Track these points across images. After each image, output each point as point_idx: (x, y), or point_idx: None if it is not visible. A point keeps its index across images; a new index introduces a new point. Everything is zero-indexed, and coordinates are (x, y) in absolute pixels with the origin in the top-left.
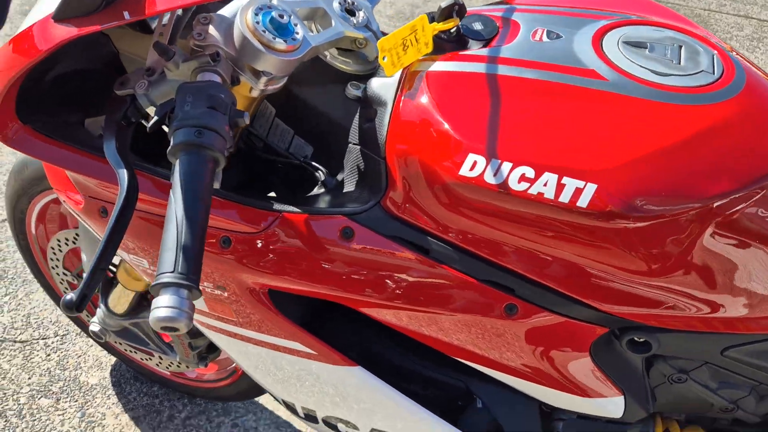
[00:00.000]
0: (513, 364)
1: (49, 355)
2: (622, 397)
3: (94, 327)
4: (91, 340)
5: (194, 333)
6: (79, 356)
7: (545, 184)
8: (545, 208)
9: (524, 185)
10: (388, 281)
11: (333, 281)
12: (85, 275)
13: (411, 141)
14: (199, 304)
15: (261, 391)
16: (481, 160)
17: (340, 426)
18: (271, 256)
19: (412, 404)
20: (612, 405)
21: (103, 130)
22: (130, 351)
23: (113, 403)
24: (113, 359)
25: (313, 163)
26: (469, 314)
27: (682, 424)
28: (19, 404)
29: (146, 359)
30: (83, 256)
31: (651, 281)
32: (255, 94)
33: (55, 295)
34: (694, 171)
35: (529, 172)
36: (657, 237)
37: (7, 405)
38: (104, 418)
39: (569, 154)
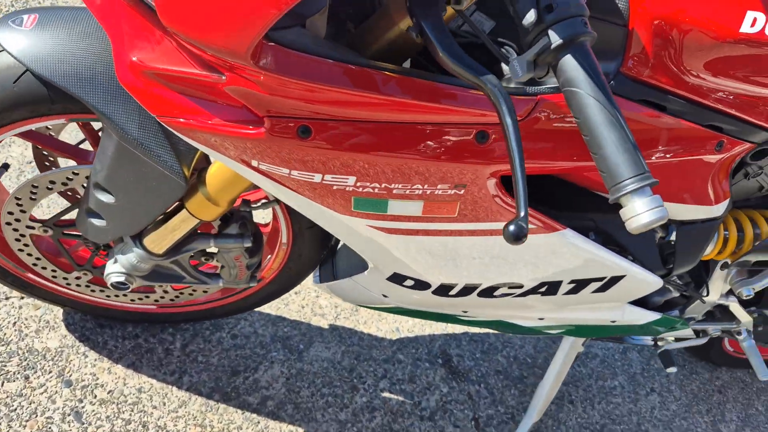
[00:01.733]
0: (682, 193)
1: None
2: (730, 198)
3: (118, 278)
4: (16, 302)
5: (252, 251)
6: (14, 324)
7: None
8: None
9: None
10: None
11: (586, 153)
12: (518, 194)
13: (669, 7)
14: (412, 210)
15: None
16: (761, 16)
17: (499, 291)
18: (531, 141)
19: (608, 252)
20: (723, 207)
21: (429, 33)
22: (112, 297)
23: (95, 359)
24: (58, 315)
25: (500, 39)
26: (688, 155)
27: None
28: None
29: (138, 300)
30: (97, 195)
31: None
32: None
33: None
34: None
35: None
36: None
37: None
38: (97, 378)
39: None
